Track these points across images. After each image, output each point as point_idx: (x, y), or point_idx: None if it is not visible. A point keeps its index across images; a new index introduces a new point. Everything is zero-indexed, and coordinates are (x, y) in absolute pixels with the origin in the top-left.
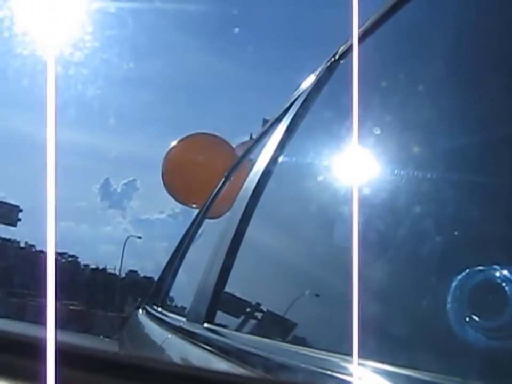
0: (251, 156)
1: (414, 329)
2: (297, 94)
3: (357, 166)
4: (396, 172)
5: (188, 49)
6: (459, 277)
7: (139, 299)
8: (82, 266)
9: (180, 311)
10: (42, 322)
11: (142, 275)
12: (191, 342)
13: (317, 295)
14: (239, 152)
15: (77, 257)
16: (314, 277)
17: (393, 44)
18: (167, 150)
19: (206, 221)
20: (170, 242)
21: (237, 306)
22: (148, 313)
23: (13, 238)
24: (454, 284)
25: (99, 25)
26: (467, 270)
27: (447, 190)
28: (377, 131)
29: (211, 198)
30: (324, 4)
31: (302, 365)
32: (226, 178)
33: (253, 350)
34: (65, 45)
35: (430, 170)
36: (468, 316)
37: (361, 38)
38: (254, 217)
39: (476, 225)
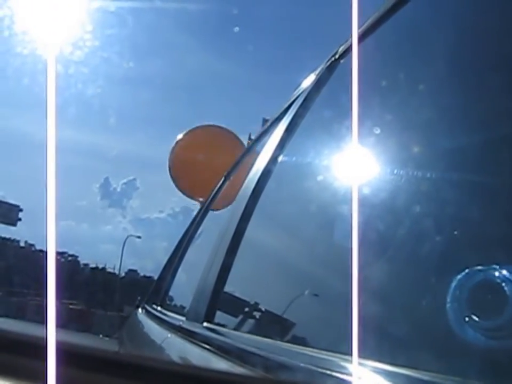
0: (251, 155)
1: (414, 329)
2: (297, 94)
3: (356, 166)
4: (395, 171)
5: (188, 48)
6: (459, 276)
7: (138, 298)
8: (82, 266)
9: (179, 310)
10: (42, 321)
11: (141, 274)
12: (191, 341)
13: (316, 295)
14: None
15: (77, 257)
16: (314, 276)
17: (393, 44)
18: (173, 143)
19: (206, 219)
20: (170, 242)
21: (236, 305)
22: (148, 313)
23: (12, 237)
24: (453, 284)
25: (99, 24)
26: (467, 270)
27: (447, 189)
28: (377, 131)
29: (211, 197)
30: (324, 3)
31: (302, 365)
32: (226, 178)
33: (252, 350)
34: (65, 44)
35: (429, 170)
36: (467, 316)
37: (361, 38)
38: (254, 216)
39: (476, 225)
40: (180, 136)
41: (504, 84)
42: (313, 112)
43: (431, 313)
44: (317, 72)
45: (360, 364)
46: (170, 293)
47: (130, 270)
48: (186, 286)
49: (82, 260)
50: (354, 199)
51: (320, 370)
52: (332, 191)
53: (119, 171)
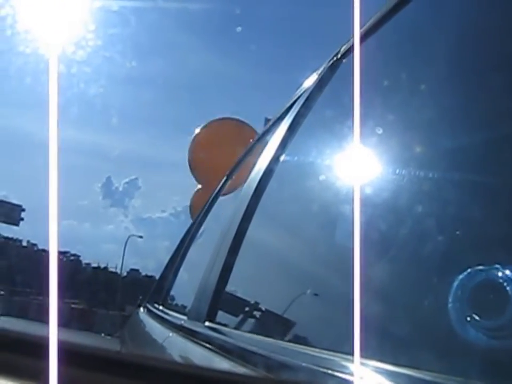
0: (253, 155)
1: (415, 329)
2: (299, 93)
3: (358, 165)
4: (397, 171)
5: (190, 48)
6: (460, 276)
7: (140, 297)
8: (84, 265)
9: (181, 309)
10: (44, 320)
11: (143, 274)
12: (192, 341)
13: (317, 294)
14: None
15: (79, 256)
16: (316, 276)
17: (395, 43)
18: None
19: (208, 217)
20: (172, 241)
21: (238, 305)
22: (149, 312)
23: (15, 236)
24: (455, 284)
25: (102, 24)
26: (468, 270)
27: (449, 189)
28: (379, 130)
29: (213, 196)
30: (326, 3)
31: (304, 364)
32: (228, 177)
33: (254, 349)
34: (67, 43)
35: (432, 169)
36: (469, 316)
37: (363, 37)
38: (256, 216)
39: (478, 225)
40: (197, 130)
41: (506, 84)
42: (315, 112)
43: (432, 313)
44: (319, 71)
45: (362, 363)
46: (172, 292)
47: (132, 270)
48: (188, 285)
49: (84, 260)
50: (356, 198)
51: (321, 370)
52: (334, 191)
53: (121, 170)
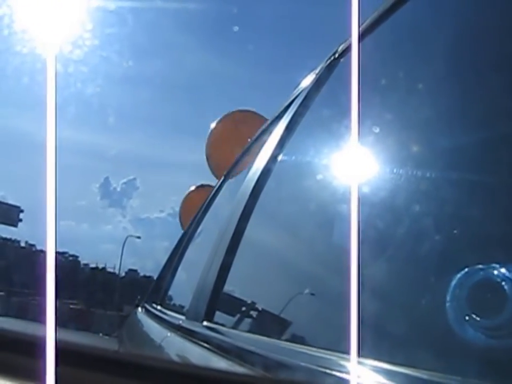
0: (250, 154)
1: (413, 328)
2: (297, 93)
3: (356, 165)
4: (395, 170)
5: (187, 47)
6: (458, 275)
7: (138, 297)
8: (82, 265)
9: (179, 309)
10: (43, 320)
11: (141, 274)
12: (190, 340)
13: (315, 294)
14: None
15: (77, 257)
16: (313, 275)
17: (393, 43)
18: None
19: (206, 217)
20: (170, 241)
21: (236, 304)
22: (147, 312)
23: (13, 237)
24: (453, 283)
25: (99, 23)
26: (466, 269)
27: (446, 188)
28: (377, 130)
29: (211, 196)
30: (324, 2)
31: (301, 363)
32: (226, 177)
33: (252, 349)
34: (64, 43)
35: (429, 169)
36: (467, 315)
37: (361, 37)
38: (254, 215)
39: (475, 224)
40: (213, 125)
41: (504, 83)
42: (312, 111)
43: (430, 312)
44: (316, 71)
45: (359, 362)
46: (170, 292)
47: (130, 270)
48: (186, 285)
49: (83, 260)
50: (353, 198)
51: (319, 369)
52: (332, 190)
53: (119, 171)
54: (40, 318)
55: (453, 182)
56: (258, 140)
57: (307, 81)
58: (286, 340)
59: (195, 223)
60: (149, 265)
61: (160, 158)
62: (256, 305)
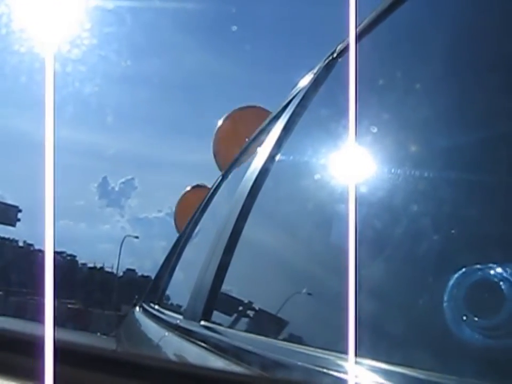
0: (249, 154)
1: (411, 328)
2: (295, 92)
3: (354, 164)
4: (393, 170)
5: (186, 47)
6: (456, 275)
7: (136, 297)
8: (80, 265)
9: (176, 308)
10: (41, 320)
11: (139, 274)
12: (188, 340)
13: (312, 294)
14: None
15: (75, 256)
16: (311, 275)
17: (391, 42)
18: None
19: (204, 217)
20: (168, 241)
21: (233, 304)
22: (145, 311)
23: (11, 237)
24: (450, 282)
25: (97, 23)
26: (464, 269)
27: (444, 188)
28: (375, 129)
29: (209, 195)
30: (322, 2)
31: (299, 363)
32: (224, 177)
33: (249, 348)
34: (63, 42)
35: (427, 168)
36: (464, 315)
37: (359, 37)
38: (251, 215)
39: (473, 224)
40: (220, 121)
41: (501, 83)
42: (311, 111)
43: (428, 312)
44: (314, 70)
45: (356, 362)
46: (168, 292)
47: (128, 270)
48: (183, 284)
49: (81, 260)
50: (351, 197)
51: (316, 368)
52: (329, 190)
53: (117, 170)
54: (38, 317)
55: (451, 181)
56: (256, 139)
57: (305, 81)
58: (284, 340)
59: (193, 223)
60: (147, 264)
61: (159, 157)
62: (254, 305)
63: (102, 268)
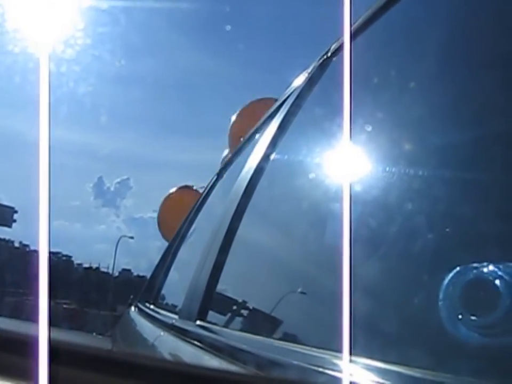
0: (244, 153)
1: (406, 326)
2: (290, 92)
3: (348, 163)
4: (387, 168)
5: (180, 47)
6: (451, 274)
7: (131, 296)
8: (75, 265)
9: (172, 308)
10: (37, 320)
11: (135, 274)
12: (184, 340)
13: (307, 293)
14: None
15: (71, 257)
16: (306, 274)
17: (386, 41)
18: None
19: (199, 217)
20: (163, 241)
21: (229, 303)
22: (140, 311)
23: (7, 238)
24: (446, 281)
25: (91, 23)
26: (459, 267)
27: (439, 186)
28: (369, 128)
29: (203, 195)
30: (317, 1)
31: (294, 362)
32: (219, 176)
33: (245, 347)
34: (56, 42)
35: (421, 167)
36: (460, 313)
37: (354, 36)
38: (246, 214)
39: (468, 222)
40: (233, 117)
41: (496, 81)
42: (305, 110)
43: (423, 310)
44: (309, 70)
45: (351, 361)
46: (163, 291)
47: (124, 270)
48: (179, 284)
49: (76, 260)
50: (346, 196)
51: (311, 367)
52: (324, 189)
53: (113, 170)
54: (34, 317)
55: (445, 180)
56: (251, 139)
57: (299, 80)
58: (279, 339)
59: (188, 222)
60: (143, 264)
61: (153, 157)
62: (249, 304)
63: (97, 268)
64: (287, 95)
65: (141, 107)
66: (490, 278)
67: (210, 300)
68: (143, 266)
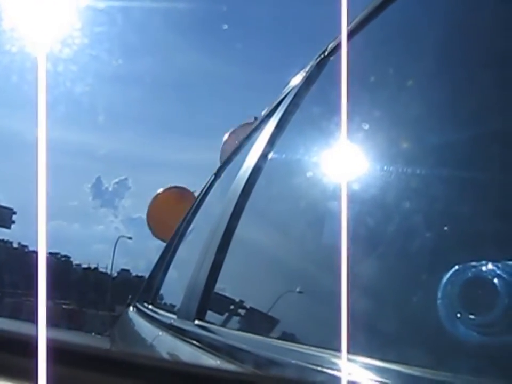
0: (241, 152)
1: (405, 325)
2: (287, 91)
3: (346, 162)
4: (385, 167)
5: (177, 46)
6: (449, 272)
7: (130, 296)
8: (74, 266)
9: (170, 308)
10: (35, 320)
11: (134, 274)
12: (182, 339)
13: (305, 292)
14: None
15: (69, 257)
16: (304, 273)
17: (383, 40)
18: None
19: (197, 216)
20: (162, 241)
21: (227, 303)
22: (139, 311)
23: (5, 238)
24: (444, 280)
25: (88, 22)
26: (457, 266)
27: (437, 185)
28: (366, 127)
29: (201, 195)
30: (314, 0)
31: (292, 361)
32: (216, 176)
33: (244, 347)
34: (54, 42)
35: (419, 166)
36: (458, 312)
37: (351, 35)
38: (244, 214)
39: (466, 221)
40: (225, 136)
41: (494, 80)
42: (303, 109)
43: (422, 309)
44: (306, 69)
45: (350, 360)
46: (161, 291)
47: (122, 270)
48: (177, 284)
49: (75, 260)
50: (343, 195)
51: (310, 366)
52: (322, 188)
53: (111, 171)
54: (33, 318)
55: (443, 179)
56: (249, 138)
57: (297, 79)
58: (278, 338)
59: (186, 222)
60: (141, 264)
61: (151, 157)
62: (248, 304)
63: (96, 269)
64: (284, 95)
65: (138, 107)
66: (489, 276)
67: (208, 299)
68: (142, 267)
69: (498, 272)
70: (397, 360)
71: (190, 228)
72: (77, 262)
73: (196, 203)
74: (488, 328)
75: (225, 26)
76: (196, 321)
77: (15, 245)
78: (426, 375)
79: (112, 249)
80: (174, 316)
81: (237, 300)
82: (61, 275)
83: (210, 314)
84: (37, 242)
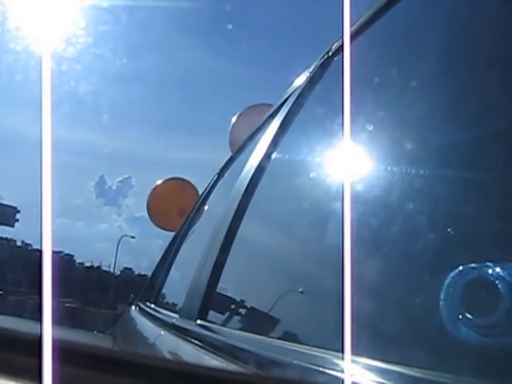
0: (245, 152)
1: (407, 326)
2: (291, 91)
3: (349, 163)
4: (389, 168)
5: (182, 45)
6: (452, 274)
7: (132, 295)
8: (77, 264)
9: (172, 307)
10: (39, 319)
11: (136, 272)
12: (184, 339)
13: (308, 292)
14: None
15: (73, 256)
16: (307, 273)
17: (387, 41)
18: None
19: (200, 216)
20: (165, 240)
21: (230, 303)
22: (141, 310)
23: (9, 237)
24: (447, 281)
25: (92, 21)
26: (460, 267)
27: (440, 186)
28: (370, 127)
29: (204, 195)
30: (318, 0)
31: (295, 362)
32: (219, 175)
33: (245, 347)
34: (58, 41)
35: (423, 166)
36: (461, 313)
37: (355, 35)
38: (247, 213)
39: (469, 222)
40: (233, 119)
41: (497, 80)
42: (306, 110)
43: (424, 310)
44: (310, 69)
45: (352, 361)
46: (164, 290)
47: (125, 268)
48: (179, 283)
49: (78, 259)
50: (347, 196)
51: (312, 367)
52: (325, 188)
53: (115, 169)
54: (36, 316)
55: (447, 179)
56: (252, 138)
57: (301, 79)
58: (280, 338)
59: (189, 221)
60: (144, 263)
61: (155, 156)
62: (250, 304)
63: (99, 267)
64: (288, 94)
65: (143, 105)
66: (491, 278)
67: (210, 299)
68: (144, 265)
69: (501, 273)
70: (400, 361)
71: (193, 228)
72: (80, 260)
73: (199, 202)
74: (490, 330)
75: (230, 26)
76: (198, 321)
77: (18, 243)
78: (428, 377)
79: (115, 247)
80: (176, 315)
81: (239, 299)
82: (64, 273)
83: (212, 314)
84: (41, 240)
